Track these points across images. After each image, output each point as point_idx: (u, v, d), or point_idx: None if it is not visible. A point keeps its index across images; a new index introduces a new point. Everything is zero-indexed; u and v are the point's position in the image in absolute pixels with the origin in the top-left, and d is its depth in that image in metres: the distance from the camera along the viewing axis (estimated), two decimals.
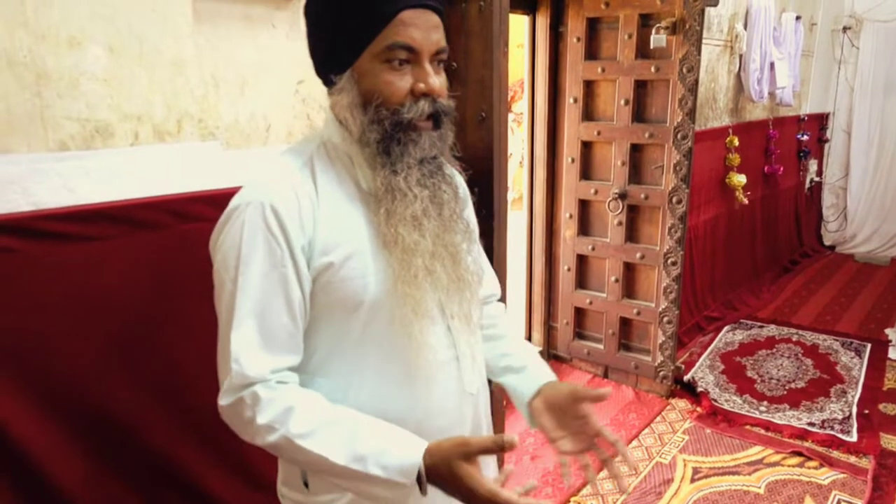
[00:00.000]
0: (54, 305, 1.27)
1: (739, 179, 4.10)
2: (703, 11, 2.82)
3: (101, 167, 1.32)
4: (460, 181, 1.13)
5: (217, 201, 1.47)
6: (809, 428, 2.93)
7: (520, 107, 6.21)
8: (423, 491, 0.89)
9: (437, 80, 0.93)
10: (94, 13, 1.27)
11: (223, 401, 0.91)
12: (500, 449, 0.87)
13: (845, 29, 5.74)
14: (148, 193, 1.38)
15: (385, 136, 0.92)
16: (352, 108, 0.93)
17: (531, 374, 1.14)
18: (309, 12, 0.96)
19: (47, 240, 1.24)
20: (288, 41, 1.62)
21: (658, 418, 3.07)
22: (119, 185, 1.34)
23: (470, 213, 1.14)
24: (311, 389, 0.96)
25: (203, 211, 1.46)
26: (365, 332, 0.96)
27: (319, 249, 0.92)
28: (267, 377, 0.90)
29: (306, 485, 1.01)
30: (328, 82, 0.95)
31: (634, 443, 2.86)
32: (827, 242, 6.18)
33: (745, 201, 4.19)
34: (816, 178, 5.95)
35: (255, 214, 0.89)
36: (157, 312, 1.42)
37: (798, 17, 4.64)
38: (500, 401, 2.30)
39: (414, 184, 0.93)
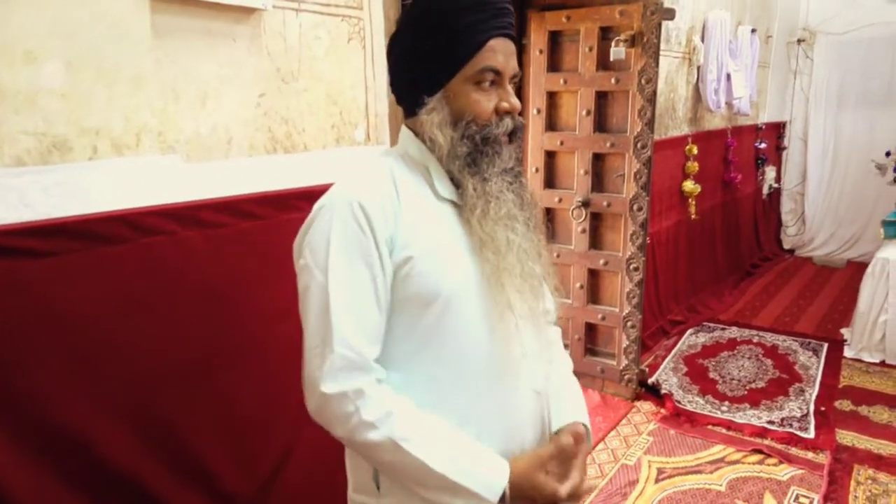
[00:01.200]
0: (11, 321, 1.26)
1: (694, 187, 4.22)
2: (660, 25, 2.92)
3: (59, 182, 1.32)
4: None
5: (177, 214, 1.49)
6: (769, 426, 3.02)
7: None
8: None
9: (516, 100, 1.05)
10: (52, 29, 1.28)
11: (326, 387, 0.94)
12: (563, 454, 1.03)
13: (800, 41, 5.95)
14: (107, 208, 1.39)
15: (474, 149, 1.02)
16: (442, 125, 1.03)
17: (560, 410, 1.17)
18: (400, 41, 1.07)
19: (3, 256, 1.23)
20: (249, 55, 1.64)
21: (623, 421, 3.13)
22: (77, 200, 1.34)
23: None
24: (387, 381, 1.00)
25: (163, 224, 1.47)
26: (442, 326, 1.01)
27: (401, 243, 0.99)
28: (369, 363, 0.96)
29: (377, 486, 1.05)
30: (416, 104, 1.04)
31: (601, 445, 2.91)
32: (787, 246, 6.37)
33: (694, 216, 4.30)
34: (775, 185, 6.13)
35: (343, 210, 0.97)
36: (118, 326, 1.41)
37: (753, 30, 4.80)
38: None
39: (505, 188, 1.04)
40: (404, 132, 1.10)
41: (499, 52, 1.02)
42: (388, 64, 1.11)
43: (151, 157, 1.47)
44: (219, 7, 1.53)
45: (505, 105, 1.04)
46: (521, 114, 1.08)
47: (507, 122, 1.04)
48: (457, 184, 1.05)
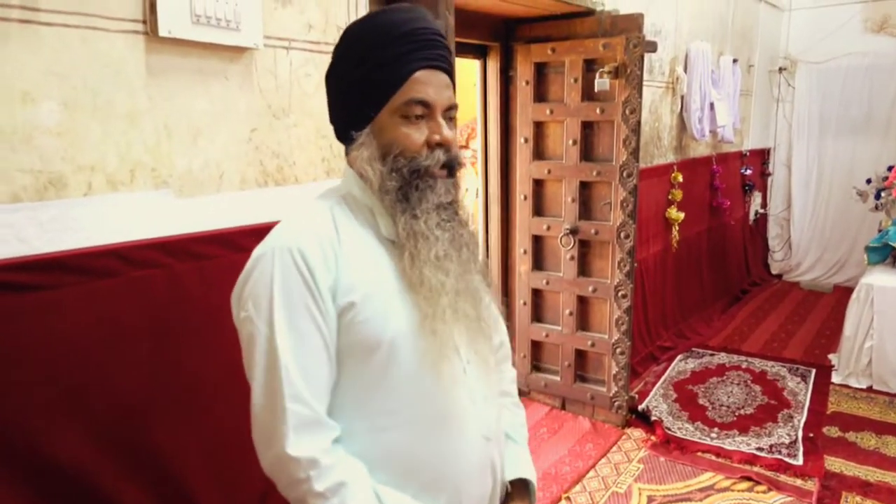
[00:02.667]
0: (4, 353, 1.27)
1: (677, 215, 4.29)
2: (642, 57, 3.00)
3: (54, 217, 1.34)
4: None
5: (168, 248, 1.52)
6: (758, 453, 3.04)
7: (475, 144, 6.36)
8: None
9: (450, 133, 1.02)
10: (48, 70, 1.32)
11: (293, 450, 0.91)
12: None
13: (781, 70, 6.10)
14: (100, 242, 1.41)
15: (404, 183, 0.99)
16: (371, 160, 1.00)
17: (513, 468, 1.17)
18: (332, 75, 1.06)
19: None
20: (241, 92, 1.69)
21: (614, 448, 3.14)
22: (71, 235, 1.37)
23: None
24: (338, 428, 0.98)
25: (154, 257, 1.49)
26: (387, 374, 0.99)
27: (343, 290, 0.97)
28: (321, 418, 0.94)
29: None
30: (348, 140, 1.04)
31: (591, 473, 2.91)
32: (774, 271, 6.43)
33: (675, 244, 4.37)
34: (761, 210, 6.22)
35: (283, 258, 0.95)
36: (109, 358, 1.43)
37: (735, 60, 4.92)
38: None
39: (434, 227, 1.00)
40: (346, 171, 1.08)
41: (426, 83, 0.99)
42: (327, 99, 1.09)
43: (144, 192, 1.50)
44: (212, 47, 1.58)
45: (436, 137, 1.01)
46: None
47: (438, 155, 1.01)
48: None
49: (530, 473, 1.17)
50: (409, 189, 0.99)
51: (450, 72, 1.05)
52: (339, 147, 1.99)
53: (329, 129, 1.94)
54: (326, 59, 1.08)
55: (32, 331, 1.31)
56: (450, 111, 1.03)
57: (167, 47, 1.50)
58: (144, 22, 1.46)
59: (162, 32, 1.45)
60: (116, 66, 1.42)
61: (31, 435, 1.32)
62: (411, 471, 1.00)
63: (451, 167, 1.03)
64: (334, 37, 1.93)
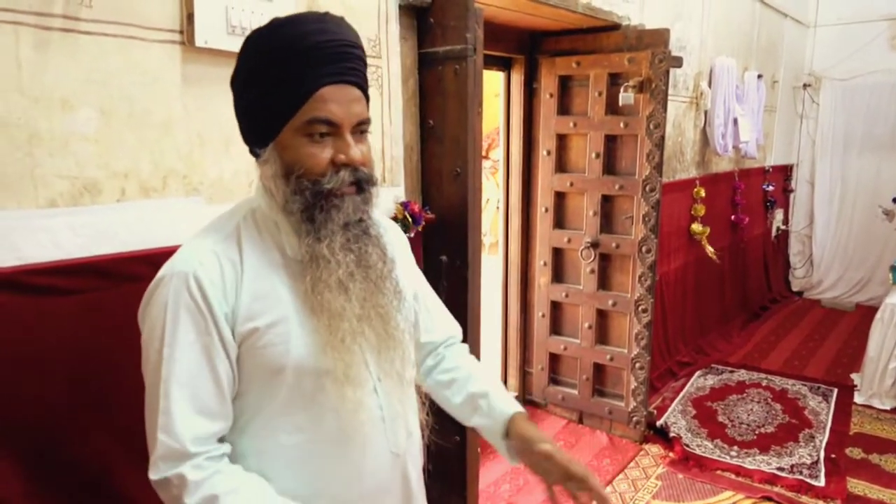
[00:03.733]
0: (37, 358, 1.29)
1: (703, 229, 4.25)
2: (668, 72, 2.99)
3: (88, 223, 1.36)
4: (395, 237, 1.18)
5: None
6: (779, 473, 2.99)
7: (496, 154, 6.37)
8: None
9: (358, 151, 0.96)
10: (87, 78, 1.34)
11: (152, 475, 0.92)
12: None
13: (805, 86, 6.05)
14: (133, 247, 1.43)
15: (307, 205, 0.95)
16: (275, 178, 0.96)
17: (495, 410, 1.16)
18: (235, 85, 1.00)
19: (32, 293, 1.27)
20: None
21: (632, 464, 3.11)
22: (104, 240, 1.39)
23: (405, 267, 1.17)
24: (239, 448, 0.99)
25: None
26: (292, 395, 0.98)
27: (243, 316, 0.95)
28: (192, 450, 0.91)
29: None
30: (254, 153, 1.00)
31: (608, 488, 2.88)
32: (795, 288, 6.36)
33: (717, 259, 4.33)
34: (783, 227, 6.15)
35: (178, 285, 0.93)
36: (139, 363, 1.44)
37: (760, 76, 4.89)
38: (475, 450, 2.33)
39: (338, 249, 0.96)
40: (257, 183, 1.03)
41: (331, 101, 0.93)
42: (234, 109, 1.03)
43: (176, 199, 1.51)
44: None
45: (341, 157, 0.95)
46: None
47: (344, 175, 0.95)
48: None
49: (516, 407, 1.16)
50: (314, 210, 0.95)
51: (361, 84, 0.98)
52: None
53: None
54: None
55: (66, 334, 1.33)
56: (361, 126, 0.98)
57: (203, 57, 1.52)
58: (181, 32, 1.48)
59: (198, 42, 1.47)
60: (153, 75, 1.45)
61: (61, 439, 1.33)
62: (319, 489, 1.01)
63: (360, 184, 0.98)
64: (365, 48, 1.95)
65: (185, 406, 0.92)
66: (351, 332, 0.97)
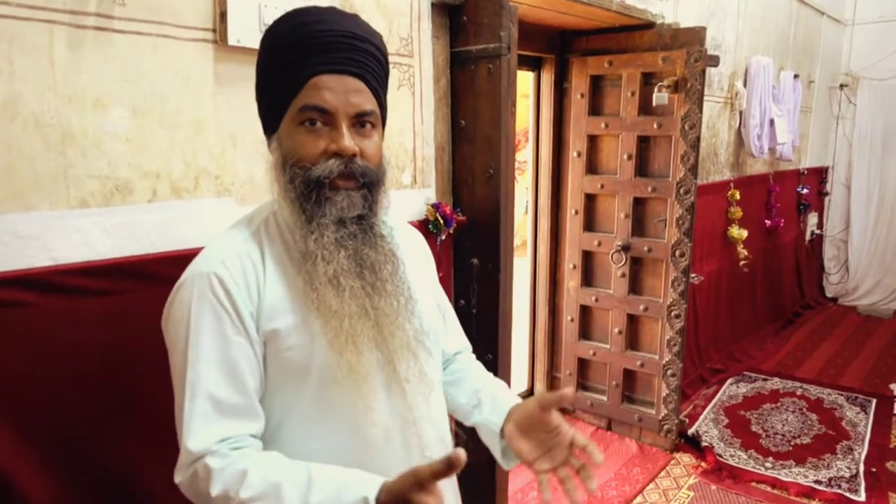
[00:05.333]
0: (70, 355, 1.28)
1: (740, 233, 4.14)
2: (703, 71, 2.91)
3: (119, 223, 1.35)
4: (413, 243, 1.15)
5: None
6: (816, 486, 2.89)
7: (523, 155, 6.31)
8: None
9: (352, 142, 0.94)
10: (119, 77, 1.33)
11: (178, 477, 0.92)
12: (449, 467, 0.81)
13: (842, 86, 5.88)
14: (164, 248, 1.41)
15: (299, 195, 0.94)
16: (276, 168, 0.97)
17: (497, 405, 1.12)
18: (256, 83, 1.03)
19: (64, 294, 1.26)
20: None
21: (662, 473, 3.03)
22: (136, 241, 1.37)
23: (423, 274, 1.14)
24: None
25: None
26: (317, 400, 0.97)
27: (266, 316, 0.94)
28: (213, 448, 0.90)
29: None
30: (269, 147, 1.01)
31: (639, 498, 2.82)
32: (829, 294, 6.19)
33: (744, 263, 4.22)
34: (817, 231, 5.99)
35: (202, 285, 0.92)
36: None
37: (796, 76, 4.76)
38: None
39: (328, 244, 0.94)
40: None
41: (325, 89, 0.93)
42: None
43: (207, 199, 1.49)
44: None
45: (333, 146, 0.93)
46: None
47: (332, 164, 0.93)
48: None
49: (514, 401, 1.12)
50: (306, 201, 0.94)
51: (366, 77, 0.96)
52: (398, 159, 1.98)
53: (388, 140, 1.94)
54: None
55: (97, 334, 1.31)
56: (362, 117, 0.96)
57: (235, 56, 1.50)
58: (214, 30, 1.46)
59: (231, 41, 1.45)
60: (185, 74, 1.43)
61: (90, 440, 1.32)
62: None
63: (356, 178, 0.95)
64: (397, 47, 1.92)
65: (211, 408, 0.91)
66: (347, 332, 0.95)
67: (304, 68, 0.93)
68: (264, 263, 0.96)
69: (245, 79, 1.54)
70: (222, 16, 1.45)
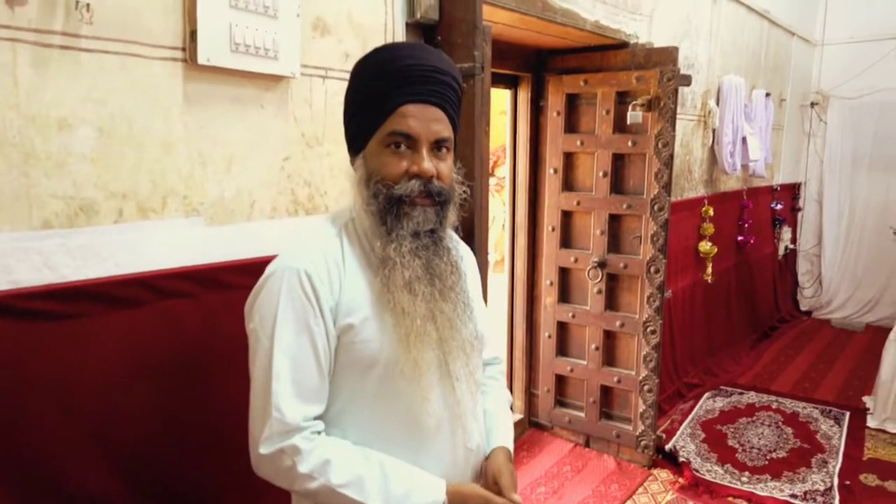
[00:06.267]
0: (30, 384, 1.24)
1: (710, 249, 4.19)
2: (676, 90, 2.95)
3: (83, 245, 1.32)
4: (467, 256, 1.29)
5: (197, 277, 1.49)
6: (792, 500, 2.91)
7: (502, 171, 6.34)
8: None
9: (431, 164, 1.08)
10: (86, 96, 1.31)
11: (263, 449, 1.02)
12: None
13: (813, 105, 6.02)
14: (130, 270, 1.38)
15: (381, 208, 1.07)
16: (360, 183, 1.10)
17: (492, 438, 1.27)
18: (344, 104, 1.16)
19: (24, 318, 1.23)
20: (276, 120, 1.67)
21: (640, 489, 3.03)
22: (100, 263, 1.34)
23: (474, 284, 1.29)
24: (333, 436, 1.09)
25: (182, 287, 1.46)
26: (379, 390, 1.09)
27: (344, 311, 1.06)
28: (303, 425, 1.03)
29: None
30: (353, 163, 1.14)
31: None
32: (803, 308, 6.28)
33: (709, 278, 4.27)
34: (791, 246, 6.09)
35: (291, 279, 1.04)
36: (134, 390, 1.40)
37: (768, 94, 4.85)
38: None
39: (406, 252, 1.07)
40: (354, 191, 1.16)
41: (411, 117, 1.06)
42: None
43: (175, 220, 1.47)
44: (249, 75, 1.57)
45: (414, 168, 1.07)
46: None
47: (414, 185, 1.07)
48: None
49: (509, 443, 1.28)
50: (387, 214, 1.07)
51: (444, 106, 1.10)
52: None
53: None
54: None
55: (57, 360, 1.28)
56: (439, 143, 1.09)
57: (205, 75, 1.49)
58: (184, 49, 1.45)
59: (201, 60, 1.44)
60: (154, 93, 1.41)
61: (52, 467, 1.28)
62: None
63: (433, 196, 1.08)
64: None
65: (293, 387, 1.03)
66: (416, 331, 1.07)
67: (393, 98, 1.06)
68: (344, 264, 1.09)
69: (215, 98, 1.52)
70: (192, 35, 1.44)
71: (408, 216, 1.07)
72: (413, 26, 2.06)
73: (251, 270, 1.60)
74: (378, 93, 1.07)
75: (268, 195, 1.68)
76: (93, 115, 1.32)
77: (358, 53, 1.87)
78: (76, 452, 1.31)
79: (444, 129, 1.10)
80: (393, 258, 1.06)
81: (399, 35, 2.00)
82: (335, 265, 1.07)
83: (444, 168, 1.10)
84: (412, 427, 1.10)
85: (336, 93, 1.82)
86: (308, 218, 1.79)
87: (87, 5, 1.26)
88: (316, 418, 1.07)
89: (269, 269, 1.09)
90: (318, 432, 1.06)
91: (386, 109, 1.07)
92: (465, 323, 1.15)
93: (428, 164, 1.07)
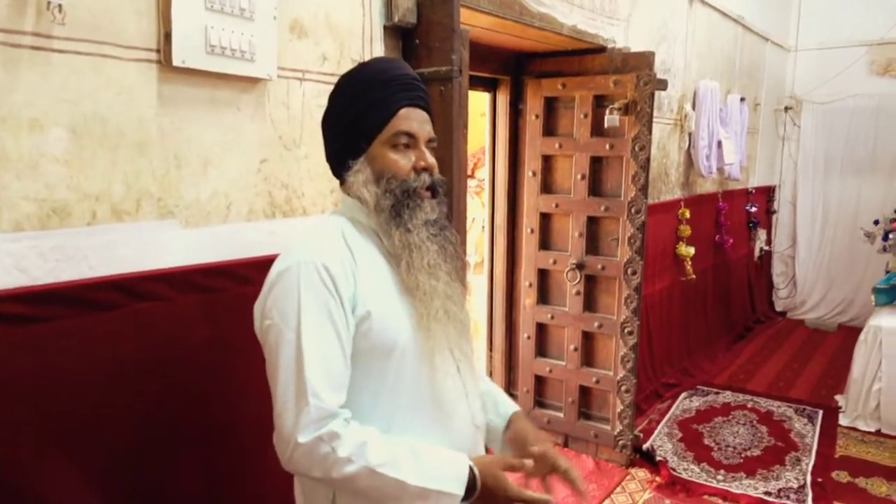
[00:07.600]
0: (1, 388, 1.23)
1: (688, 250, 4.25)
2: (653, 94, 2.99)
3: (56, 247, 1.31)
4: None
5: (172, 279, 1.49)
6: (766, 497, 2.96)
7: (482, 173, 6.36)
8: (468, 497, 1.09)
9: (432, 159, 1.20)
10: (58, 97, 1.29)
11: (302, 437, 1.03)
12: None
13: (787, 109, 6.13)
14: (104, 272, 1.37)
15: (396, 202, 1.15)
16: (367, 183, 1.17)
17: (500, 410, 1.35)
18: (330, 115, 1.22)
19: None
20: (252, 122, 1.67)
21: (618, 489, 3.06)
22: (73, 266, 1.33)
23: None
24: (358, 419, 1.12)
25: (157, 289, 1.45)
26: (399, 374, 1.13)
27: (360, 301, 1.11)
28: (338, 411, 1.06)
29: None
30: (345, 169, 1.19)
31: None
32: (778, 308, 6.38)
33: (691, 277, 4.33)
34: (766, 247, 6.19)
35: (308, 272, 1.07)
36: (108, 392, 1.38)
37: (742, 99, 4.93)
38: None
39: (425, 239, 1.15)
40: (344, 199, 1.24)
41: (410, 118, 1.17)
42: (324, 139, 1.25)
43: (149, 222, 1.46)
44: (225, 77, 1.56)
45: (421, 163, 1.18)
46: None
47: (425, 178, 1.17)
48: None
49: (516, 407, 1.38)
50: (402, 208, 1.15)
51: (428, 110, 1.22)
52: None
53: None
54: None
55: (29, 365, 1.26)
56: (430, 142, 1.21)
57: (180, 77, 1.48)
58: (158, 51, 1.44)
59: (176, 62, 1.43)
60: (128, 95, 1.40)
61: (22, 473, 1.26)
62: None
63: (435, 189, 1.19)
64: (348, 68, 1.92)
65: (324, 375, 1.05)
66: (442, 309, 1.15)
67: (394, 102, 1.16)
68: (354, 258, 1.13)
69: (191, 100, 1.52)
70: (167, 37, 1.43)
71: (420, 208, 1.16)
72: (391, 29, 2.07)
73: (227, 273, 1.60)
74: (380, 98, 1.16)
75: (244, 197, 1.67)
76: (65, 116, 1.31)
77: (335, 56, 1.88)
78: (43, 459, 1.29)
79: (431, 129, 1.22)
80: (416, 244, 1.14)
81: (377, 38, 2.00)
82: (347, 258, 1.12)
83: (435, 164, 1.21)
84: (436, 408, 1.16)
85: (314, 95, 1.82)
86: (286, 220, 1.78)
87: (59, 6, 1.25)
88: (342, 407, 1.10)
89: (277, 267, 1.12)
90: (349, 417, 1.08)
91: (389, 112, 1.16)
92: (463, 306, 1.23)
93: (430, 158, 1.19)
